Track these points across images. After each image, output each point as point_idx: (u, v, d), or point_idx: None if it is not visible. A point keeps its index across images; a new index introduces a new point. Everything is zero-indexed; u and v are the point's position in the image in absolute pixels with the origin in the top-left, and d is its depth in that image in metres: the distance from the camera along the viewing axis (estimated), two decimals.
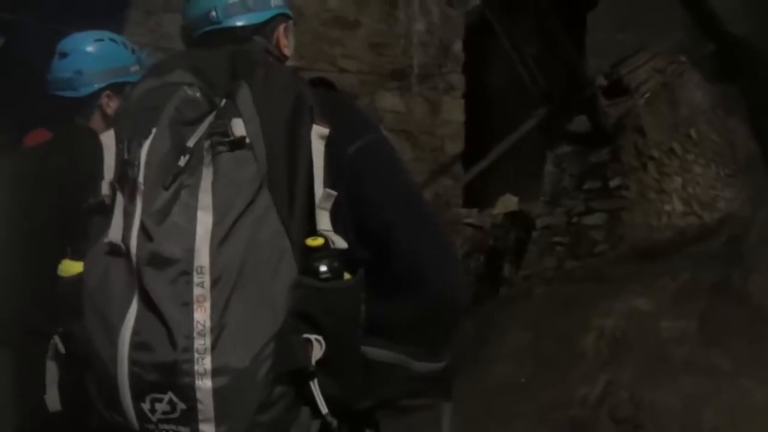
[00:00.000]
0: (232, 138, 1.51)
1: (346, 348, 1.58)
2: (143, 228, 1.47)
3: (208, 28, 1.89)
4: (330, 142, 1.59)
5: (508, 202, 12.27)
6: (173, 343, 1.43)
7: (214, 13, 1.89)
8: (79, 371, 1.57)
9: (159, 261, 1.46)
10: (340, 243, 1.55)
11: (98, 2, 6.42)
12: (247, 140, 1.52)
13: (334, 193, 1.56)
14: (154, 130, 1.55)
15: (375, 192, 1.69)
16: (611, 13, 12.65)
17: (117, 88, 2.62)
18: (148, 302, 1.45)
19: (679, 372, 4.57)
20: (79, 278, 1.58)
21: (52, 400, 1.74)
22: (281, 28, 2.00)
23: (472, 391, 5.22)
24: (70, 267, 1.66)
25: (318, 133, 1.59)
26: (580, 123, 10.28)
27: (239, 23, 1.91)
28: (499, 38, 10.02)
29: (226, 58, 1.68)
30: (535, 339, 5.23)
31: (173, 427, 1.45)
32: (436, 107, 8.70)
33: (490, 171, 11.20)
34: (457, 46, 9.24)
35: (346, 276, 1.56)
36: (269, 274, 1.48)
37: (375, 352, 1.66)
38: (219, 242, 1.45)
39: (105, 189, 1.59)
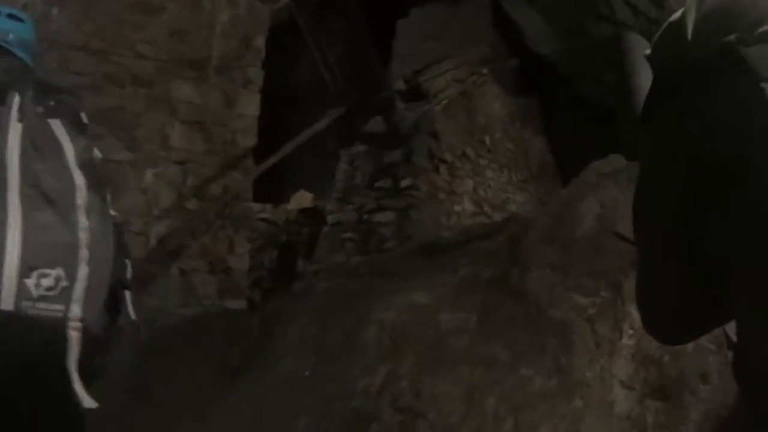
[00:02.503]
0: (83, 122, 2.22)
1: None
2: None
3: None
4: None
5: (303, 199, 12.36)
6: (69, 228, 1.89)
7: (12, 37, 2.31)
8: None
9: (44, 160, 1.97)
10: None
11: None
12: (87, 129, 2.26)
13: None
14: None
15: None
16: (421, 23, 13.03)
17: None
18: (41, 201, 1.89)
19: (459, 362, 4.68)
20: None
21: None
22: None
23: (256, 388, 5.16)
24: None
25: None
26: (376, 124, 10.48)
27: (21, 55, 2.33)
28: (305, 37, 10.07)
29: (11, 65, 2.22)
30: (318, 332, 5.22)
31: (48, 305, 1.82)
32: (231, 100, 8.55)
33: (288, 168, 11.20)
34: (260, 41, 9.11)
35: None
36: (107, 240, 2.08)
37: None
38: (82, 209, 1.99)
39: None
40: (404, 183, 9.95)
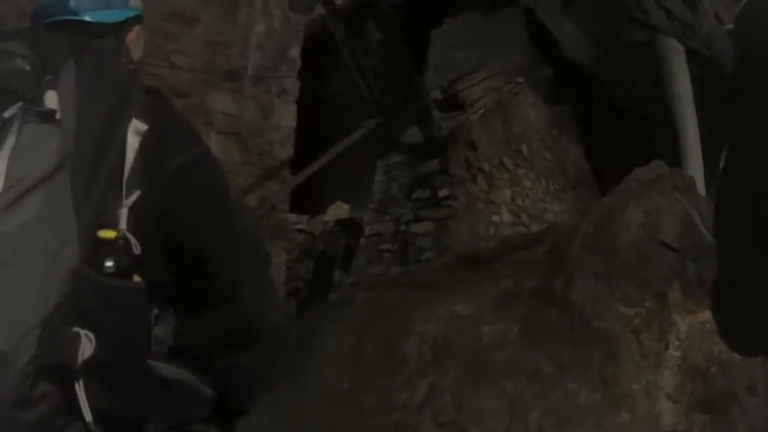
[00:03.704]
0: (41, 109, 1.42)
1: (124, 354, 1.43)
2: None
3: (61, 18, 1.73)
4: (147, 141, 1.50)
5: (339, 210, 12.33)
6: None
7: (73, 3, 1.74)
8: None
9: None
10: (134, 246, 1.43)
11: None
12: (58, 115, 1.42)
13: (137, 191, 1.46)
14: None
15: (194, 209, 1.60)
16: (456, 32, 13.01)
17: None
18: None
19: (502, 375, 4.60)
20: None
21: None
22: (135, 30, 1.87)
23: (294, 399, 5.10)
24: None
25: (135, 128, 1.50)
26: (412, 134, 10.41)
27: (95, 19, 1.76)
28: (340, 48, 10.06)
29: (67, 40, 1.58)
30: (356, 344, 5.16)
31: None
32: (267, 111, 8.54)
33: (324, 179, 11.18)
34: (295, 51, 9.12)
35: (136, 279, 1.43)
36: (48, 257, 1.33)
37: (164, 368, 1.53)
38: (2, 209, 1.32)
39: None
40: (442, 193, 9.85)
